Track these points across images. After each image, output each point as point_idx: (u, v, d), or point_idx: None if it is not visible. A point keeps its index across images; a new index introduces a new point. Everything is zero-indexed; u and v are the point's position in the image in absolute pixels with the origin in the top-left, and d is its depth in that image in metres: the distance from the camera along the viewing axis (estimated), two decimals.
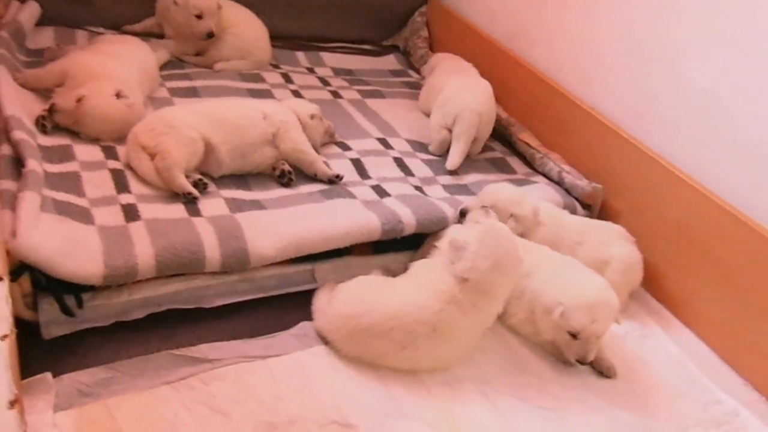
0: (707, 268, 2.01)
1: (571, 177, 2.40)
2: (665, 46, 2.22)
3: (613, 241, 2.11)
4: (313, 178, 2.17)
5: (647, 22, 2.29)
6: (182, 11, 2.67)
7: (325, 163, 2.23)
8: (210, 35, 2.69)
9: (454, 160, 2.41)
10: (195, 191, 1.90)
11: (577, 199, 2.36)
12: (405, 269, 1.96)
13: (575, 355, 1.76)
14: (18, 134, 1.82)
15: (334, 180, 2.15)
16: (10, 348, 0.70)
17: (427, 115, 2.68)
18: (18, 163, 1.77)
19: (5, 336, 0.71)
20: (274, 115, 2.18)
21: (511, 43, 2.90)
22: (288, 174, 2.12)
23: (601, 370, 1.83)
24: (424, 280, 1.73)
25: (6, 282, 0.79)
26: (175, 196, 1.91)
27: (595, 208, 2.38)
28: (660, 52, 2.24)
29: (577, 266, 1.87)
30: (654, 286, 2.16)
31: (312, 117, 2.29)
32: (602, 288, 1.78)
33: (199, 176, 1.97)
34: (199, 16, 2.66)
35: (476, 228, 1.76)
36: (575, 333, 1.73)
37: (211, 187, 2.02)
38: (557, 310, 1.73)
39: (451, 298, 1.66)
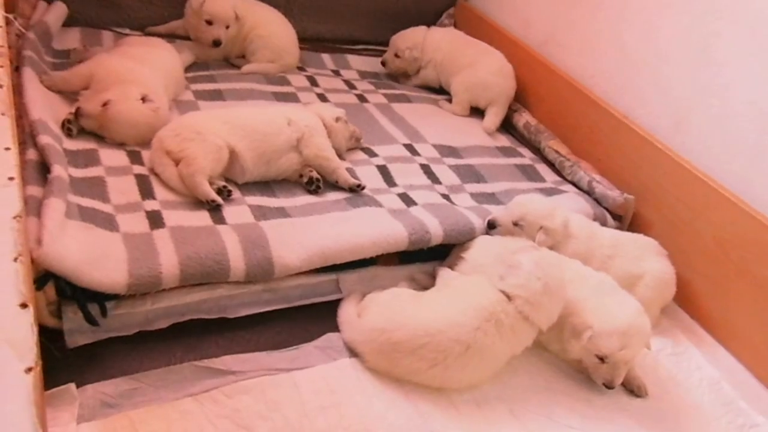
0: (745, 285, 1.94)
1: (602, 187, 2.34)
2: (704, 56, 2.15)
3: (645, 256, 2.06)
4: (336, 185, 2.14)
5: (684, 31, 2.22)
6: (195, 15, 2.64)
7: (350, 170, 2.20)
8: (216, 43, 2.63)
9: (493, 127, 2.75)
10: (219, 198, 1.88)
11: (607, 210, 2.31)
12: (431, 278, 1.95)
13: (602, 378, 1.71)
14: (44, 139, 1.81)
15: (356, 189, 2.11)
16: (35, 382, 0.68)
17: None
18: (44, 167, 1.76)
19: (30, 369, 0.68)
20: (299, 121, 2.15)
21: (542, 49, 2.84)
22: (316, 181, 2.09)
23: (632, 388, 1.79)
24: (463, 296, 1.69)
25: (32, 309, 0.76)
26: (200, 202, 1.89)
27: (626, 219, 2.33)
28: (698, 62, 2.17)
29: (611, 287, 1.81)
30: (687, 302, 2.10)
31: (337, 120, 2.26)
32: (635, 314, 1.72)
33: (223, 183, 1.95)
34: (209, 22, 2.62)
35: (531, 253, 1.75)
36: (603, 357, 1.68)
37: (236, 193, 2.00)
38: (586, 334, 1.68)
39: (491, 316, 1.63)
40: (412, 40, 2.99)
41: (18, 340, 0.71)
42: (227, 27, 2.64)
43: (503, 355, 1.68)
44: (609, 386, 1.70)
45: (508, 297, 1.67)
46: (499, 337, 1.63)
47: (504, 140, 2.74)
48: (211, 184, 1.91)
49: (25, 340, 0.72)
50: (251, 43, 2.76)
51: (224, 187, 1.93)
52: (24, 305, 0.76)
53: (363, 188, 2.12)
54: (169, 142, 1.95)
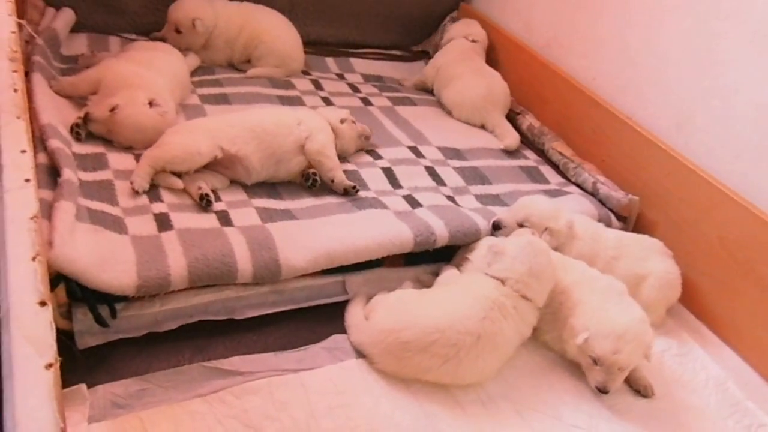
0: (751, 285, 1.95)
1: (606, 188, 2.35)
2: (707, 58, 2.16)
3: (650, 256, 2.06)
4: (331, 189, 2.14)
5: (687, 32, 2.23)
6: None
7: (355, 173, 2.21)
8: (161, 39, 2.68)
9: (513, 144, 2.67)
10: (141, 186, 1.88)
11: (612, 211, 2.31)
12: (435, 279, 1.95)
13: (595, 381, 1.70)
14: (54, 143, 1.84)
15: (350, 191, 2.10)
16: (55, 379, 0.69)
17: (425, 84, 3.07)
18: (54, 171, 1.78)
19: (50, 365, 0.70)
20: (309, 121, 2.17)
21: (545, 51, 2.86)
22: (313, 176, 2.10)
23: (638, 389, 1.79)
24: (463, 289, 1.72)
25: (50, 307, 0.78)
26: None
27: (630, 220, 2.33)
28: (701, 63, 2.18)
29: (619, 292, 1.80)
30: (693, 303, 2.11)
31: (342, 121, 2.27)
32: (636, 321, 1.70)
33: (206, 191, 1.92)
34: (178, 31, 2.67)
35: (518, 239, 1.78)
36: (596, 359, 1.68)
37: (242, 195, 2.02)
38: (582, 336, 1.68)
39: (494, 303, 1.66)
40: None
41: (38, 337, 0.72)
42: (177, 31, 2.66)
43: (512, 339, 1.70)
44: (602, 390, 1.68)
45: (502, 282, 1.71)
46: (505, 322, 1.66)
47: None
48: (198, 188, 1.92)
49: (44, 337, 0.73)
50: (256, 48, 2.78)
51: (206, 194, 1.91)
52: (43, 303, 0.78)
53: (357, 191, 2.11)
54: (166, 134, 2.00)
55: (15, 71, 1.30)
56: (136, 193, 1.87)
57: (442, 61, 2.98)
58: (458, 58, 2.94)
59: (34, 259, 0.83)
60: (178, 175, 1.97)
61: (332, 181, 2.11)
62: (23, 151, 1.04)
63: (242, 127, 2.05)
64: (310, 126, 2.15)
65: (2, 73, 1.27)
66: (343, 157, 2.27)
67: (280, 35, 2.84)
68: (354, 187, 2.11)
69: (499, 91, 2.83)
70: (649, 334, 1.72)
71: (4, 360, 0.70)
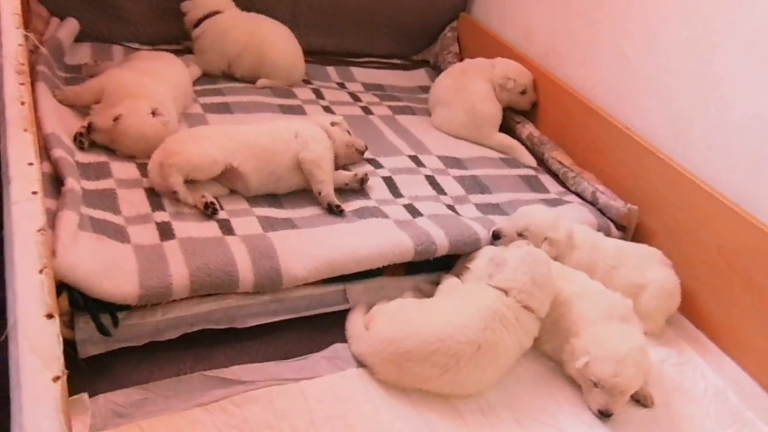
0: (749, 294, 1.96)
1: (606, 197, 2.37)
2: (704, 67, 2.18)
3: (649, 266, 2.07)
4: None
5: (684, 42, 2.25)
6: None
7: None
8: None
9: (532, 159, 2.69)
10: (182, 192, 1.89)
11: (611, 220, 2.33)
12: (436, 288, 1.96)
13: (597, 404, 1.68)
14: (57, 152, 1.85)
15: (334, 210, 2.06)
16: (62, 391, 0.70)
17: None
18: (57, 180, 1.80)
19: (57, 377, 0.71)
20: (305, 132, 2.18)
21: (544, 61, 2.88)
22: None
23: (638, 398, 1.79)
24: (465, 299, 1.73)
25: (57, 320, 0.79)
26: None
27: (629, 229, 2.34)
28: (698, 73, 2.20)
29: (621, 316, 1.79)
30: (692, 312, 2.11)
31: (333, 124, 2.28)
32: (636, 348, 1.70)
33: (211, 199, 1.93)
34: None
35: (518, 249, 1.80)
36: (596, 382, 1.68)
37: (244, 204, 2.03)
38: (582, 360, 1.69)
39: (496, 313, 1.67)
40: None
41: (45, 349, 0.73)
42: None
43: (513, 350, 1.71)
44: (604, 413, 1.68)
45: (505, 292, 1.72)
46: (506, 332, 1.67)
47: None
48: (202, 196, 1.93)
49: (51, 349, 0.74)
50: (259, 61, 2.78)
51: (211, 203, 1.92)
52: (50, 315, 0.79)
53: (342, 212, 2.06)
54: (171, 143, 2.00)
55: (22, 84, 1.31)
56: (196, 207, 1.91)
57: (435, 82, 2.98)
58: (445, 76, 2.93)
59: (41, 271, 0.84)
60: None
61: (320, 193, 2.09)
62: (30, 164, 1.06)
63: (241, 143, 2.05)
64: (306, 136, 2.15)
65: (10, 86, 1.29)
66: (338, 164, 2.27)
67: (282, 48, 2.85)
68: (338, 206, 2.06)
69: (480, 115, 2.75)
70: (647, 363, 1.74)
71: (12, 372, 0.71)
